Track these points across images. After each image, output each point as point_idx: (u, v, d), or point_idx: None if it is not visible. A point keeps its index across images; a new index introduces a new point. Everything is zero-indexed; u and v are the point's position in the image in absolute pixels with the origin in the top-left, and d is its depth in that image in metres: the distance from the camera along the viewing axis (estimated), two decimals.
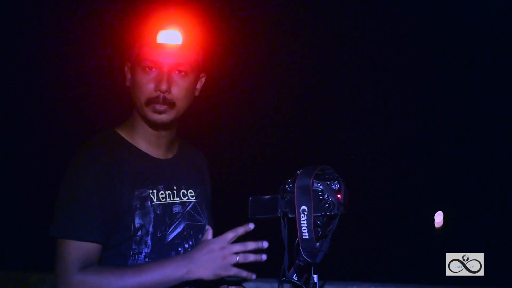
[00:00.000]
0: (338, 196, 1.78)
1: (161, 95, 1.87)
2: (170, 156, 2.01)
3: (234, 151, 11.42)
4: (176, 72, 1.89)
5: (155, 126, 1.92)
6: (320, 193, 1.78)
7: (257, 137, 12.02)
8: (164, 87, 1.86)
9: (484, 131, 13.60)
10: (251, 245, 1.79)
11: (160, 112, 1.88)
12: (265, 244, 1.80)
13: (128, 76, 1.95)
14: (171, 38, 1.88)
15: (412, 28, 12.47)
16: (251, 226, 1.81)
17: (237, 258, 1.78)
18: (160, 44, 1.87)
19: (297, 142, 12.19)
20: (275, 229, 1.84)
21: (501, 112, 13.14)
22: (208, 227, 1.89)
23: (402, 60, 13.09)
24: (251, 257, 1.79)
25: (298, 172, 1.81)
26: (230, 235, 1.79)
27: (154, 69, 1.88)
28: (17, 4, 8.29)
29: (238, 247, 1.78)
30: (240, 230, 1.80)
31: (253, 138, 11.94)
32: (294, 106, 12.66)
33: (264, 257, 1.80)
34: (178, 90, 1.89)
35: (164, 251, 1.89)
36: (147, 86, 1.87)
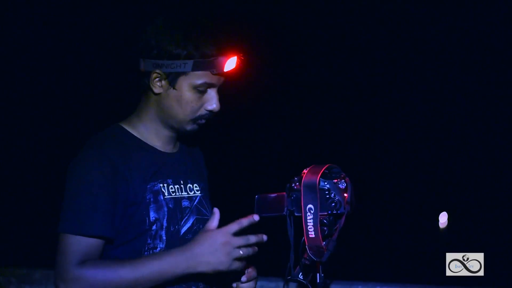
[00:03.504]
0: (345, 195, 1.78)
1: (210, 113, 1.90)
2: (175, 150, 2.01)
3: (241, 149, 11.42)
4: None
5: (184, 134, 1.95)
6: (326, 192, 1.78)
7: (264, 135, 12.02)
8: (219, 108, 1.89)
9: (484, 131, 13.60)
10: (253, 238, 1.76)
11: (201, 125, 1.92)
12: (264, 238, 1.78)
13: (158, 83, 1.87)
14: (233, 64, 1.87)
15: (418, 26, 12.47)
16: (256, 218, 1.77)
17: (240, 252, 1.75)
18: (224, 72, 1.86)
19: (304, 141, 12.18)
20: (281, 228, 1.84)
21: (500, 111, 13.14)
22: (215, 210, 1.83)
23: (405, 59, 13.08)
24: (253, 251, 1.77)
25: (305, 171, 1.81)
26: (234, 227, 1.75)
27: (207, 89, 1.88)
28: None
29: (241, 240, 1.75)
30: (245, 222, 1.76)
31: (261, 136, 11.94)
32: (301, 104, 12.66)
33: (265, 238, 1.78)
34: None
35: (177, 246, 1.85)
36: (198, 104, 1.88)
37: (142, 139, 1.93)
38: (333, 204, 1.77)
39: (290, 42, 12.08)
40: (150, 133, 1.94)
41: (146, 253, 1.84)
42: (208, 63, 1.83)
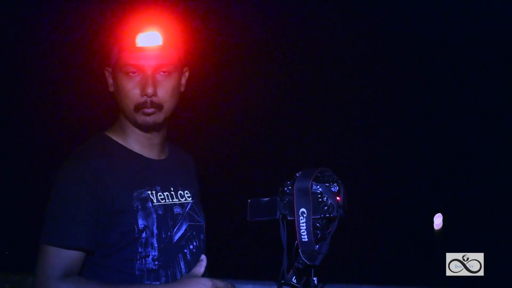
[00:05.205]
0: (338, 198, 1.77)
1: (148, 99, 1.85)
2: (163, 157, 2.00)
3: (233, 154, 11.41)
4: (161, 73, 1.87)
5: (146, 129, 1.91)
6: (319, 196, 1.77)
7: (256, 139, 12.02)
8: (150, 91, 1.84)
9: (484, 131, 13.60)
10: None
11: (149, 114, 1.87)
12: None
13: (110, 81, 1.92)
14: (151, 40, 1.84)
15: (413, 28, 12.47)
16: None
17: None
18: (140, 48, 1.84)
19: (296, 144, 12.19)
20: (274, 232, 1.83)
21: (499, 111, 13.14)
22: (203, 257, 1.89)
23: (400, 61, 13.08)
24: None
25: (297, 174, 1.80)
26: (221, 284, 1.81)
27: (137, 73, 1.85)
28: None
29: None
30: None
31: (252, 140, 11.93)
32: (293, 108, 12.66)
33: None
34: (164, 91, 1.87)
35: (171, 253, 1.87)
36: (133, 92, 1.85)
37: (127, 146, 1.93)
38: (326, 208, 1.76)
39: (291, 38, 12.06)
40: (131, 138, 1.93)
41: (138, 262, 1.83)
42: (125, 43, 1.85)
